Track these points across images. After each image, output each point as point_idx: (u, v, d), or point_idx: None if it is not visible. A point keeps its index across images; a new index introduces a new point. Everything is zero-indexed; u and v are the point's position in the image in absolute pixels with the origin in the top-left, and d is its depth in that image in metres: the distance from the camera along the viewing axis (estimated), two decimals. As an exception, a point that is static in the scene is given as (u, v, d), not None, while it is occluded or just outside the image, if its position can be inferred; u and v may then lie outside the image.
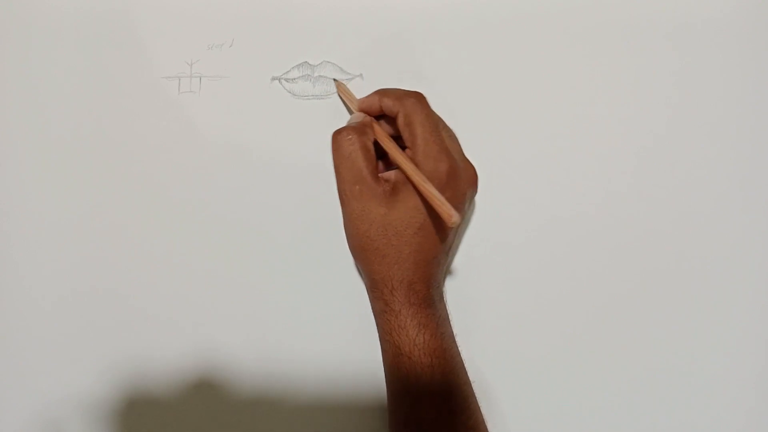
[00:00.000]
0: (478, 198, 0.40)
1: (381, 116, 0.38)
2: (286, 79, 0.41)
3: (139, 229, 0.41)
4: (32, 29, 0.42)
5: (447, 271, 0.40)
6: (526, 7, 0.42)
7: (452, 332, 0.37)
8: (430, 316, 0.35)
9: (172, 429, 0.39)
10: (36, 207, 0.41)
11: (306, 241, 0.40)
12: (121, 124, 0.41)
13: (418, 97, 0.36)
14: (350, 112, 0.41)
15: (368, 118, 0.38)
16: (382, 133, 0.37)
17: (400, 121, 0.36)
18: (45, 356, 0.40)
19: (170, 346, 0.40)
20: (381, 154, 0.37)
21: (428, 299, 0.35)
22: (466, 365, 0.36)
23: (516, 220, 0.40)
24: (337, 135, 0.36)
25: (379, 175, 0.36)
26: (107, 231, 0.41)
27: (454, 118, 0.39)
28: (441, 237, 0.36)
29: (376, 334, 0.37)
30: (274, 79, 0.41)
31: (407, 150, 0.36)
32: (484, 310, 0.40)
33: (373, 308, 0.37)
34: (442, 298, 0.37)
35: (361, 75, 0.41)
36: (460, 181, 0.35)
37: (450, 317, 0.37)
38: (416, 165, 0.35)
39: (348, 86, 0.41)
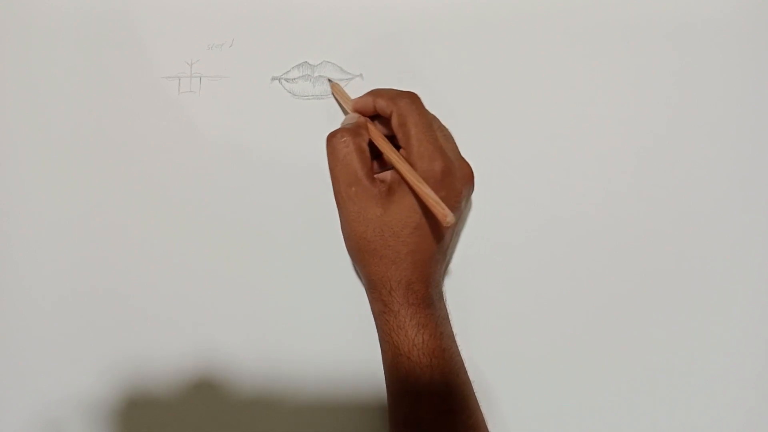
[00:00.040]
0: (478, 198, 0.40)
1: (375, 116, 0.38)
2: (286, 79, 0.41)
3: (139, 229, 0.41)
4: (32, 29, 0.42)
5: (446, 271, 0.40)
6: (526, 7, 0.42)
7: (452, 332, 0.37)
8: (429, 316, 0.35)
9: (172, 429, 0.39)
10: (36, 207, 0.41)
11: (306, 241, 0.40)
12: (121, 124, 0.41)
13: (412, 97, 0.36)
14: (345, 112, 0.41)
15: (362, 118, 0.38)
16: (376, 133, 0.37)
17: (394, 121, 0.36)
18: (45, 356, 0.40)
19: (170, 346, 0.40)
20: (376, 155, 0.37)
21: (427, 299, 0.35)
22: (466, 365, 0.36)
23: (516, 220, 0.40)
24: (332, 137, 0.36)
25: (375, 175, 0.36)
26: (107, 231, 0.41)
27: (454, 118, 0.39)
28: (438, 236, 0.36)
29: (376, 334, 0.37)
30: (274, 79, 0.41)
31: (402, 150, 0.36)
32: (483, 309, 0.40)
33: (372, 309, 0.37)
34: (442, 297, 0.37)
35: (361, 75, 0.41)
36: (456, 180, 0.35)
37: (450, 317, 0.37)
38: (411, 165, 0.35)
39: (348, 86, 0.41)
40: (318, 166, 0.40)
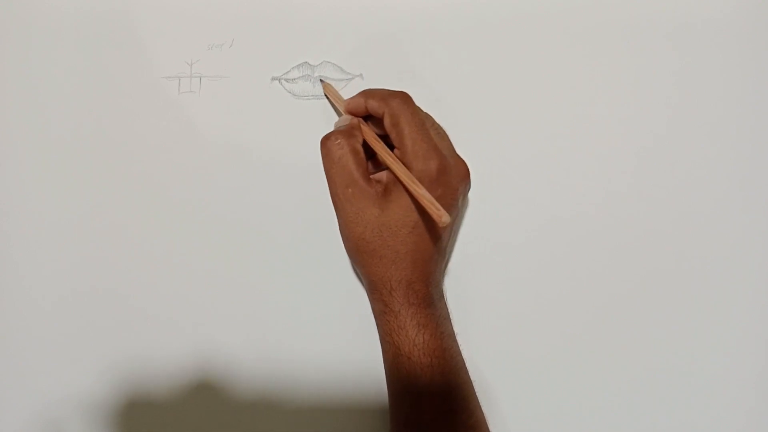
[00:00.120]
0: (479, 198, 0.40)
1: (368, 116, 0.38)
2: (286, 79, 0.41)
3: (139, 229, 0.41)
4: (32, 29, 0.42)
5: (445, 269, 0.40)
6: (526, 7, 0.42)
7: (453, 331, 0.37)
8: (430, 315, 0.35)
9: (172, 429, 0.39)
10: (36, 207, 0.41)
11: (306, 241, 0.40)
12: (121, 124, 0.41)
13: (403, 97, 0.36)
14: (338, 113, 0.41)
15: (356, 119, 0.38)
16: (370, 134, 0.37)
17: (387, 121, 0.36)
18: (45, 356, 0.40)
19: (170, 346, 0.40)
20: (371, 155, 0.37)
21: (428, 298, 0.35)
22: (466, 364, 0.36)
23: (516, 220, 0.40)
24: (326, 140, 0.36)
25: (371, 176, 0.36)
26: (107, 231, 0.41)
27: (453, 118, 0.39)
28: (436, 235, 0.36)
29: (376, 335, 0.37)
30: (274, 79, 0.41)
31: (396, 150, 0.36)
32: (483, 309, 0.40)
33: (372, 309, 0.37)
34: (442, 296, 0.37)
35: (361, 75, 0.41)
36: (451, 178, 0.35)
37: (450, 316, 0.37)
38: (406, 164, 0.35)
39: (348, 86, 0.41)
40: (318, 166, 0.39)
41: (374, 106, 0.36)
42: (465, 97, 0.41)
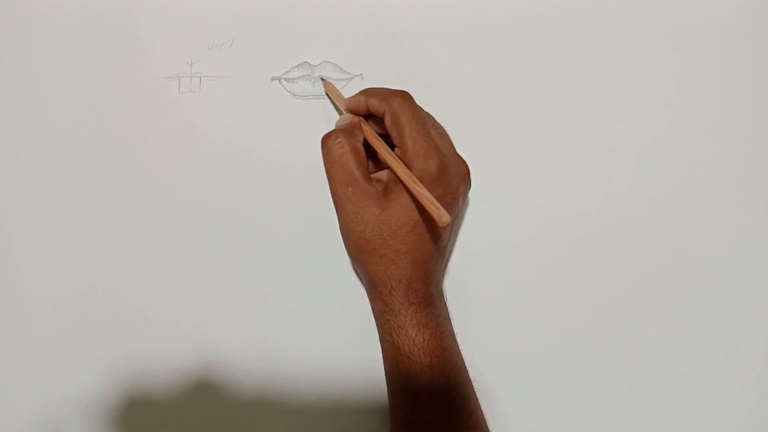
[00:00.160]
0: (479, 197, 0.40)
1: (369, 115, 0.38)
2: (286, 79, 0.41)
3: (139, 229, 0.41)
4: (32, 29, 0.42)
5: (445, 269, 0.40)
6: (526, 7, 0.42)
7: (453, 331, 0.37)
8: (430, 315, 0.35)
9: (172, 429, 0.39)
10: (36, 207, 0.41)
11: (306, 241, 0.40)
12: (121, 124, 0.41)
13: (404, 96, 0.36)
14: (339, 112, 0.41)
15: (356, 118, 0.38)
16: (371, 133, 0.37)
17: (387, 120, 0.36)
18: (45, 356, 0.40)
19: (170, 346, 0.40)
20: (371, 154, 0.37)
21: (428, 298, 0.35)
22: (466, 364, 0.36)
23: (516, 220, 0.40)
24: (327, 139, 0.36)
25: (371, 175, 0.36)
26: (107, 231, 0.41)
27: (454, 118, 0.39)
28: (437, 234, 0.36)
29: (376, 334, 0.37)
30: (274, 79, 0.41)
31: (396, 149, 0.36)
32: (484, 309, 0.40)
33: (372, 309, 0.37)
34: (442, 295, 0.37)
35: (361, 75, 0.41)
36: (452, 177, 0.35)
37: (450, 316, 0.37)
38: (406, 164, 0.35)
39: (348, 86, 0.41)
40: (318, 166, 0.39)
41: (375, 104, 0.36)
42: (465, 97, 0.41)
